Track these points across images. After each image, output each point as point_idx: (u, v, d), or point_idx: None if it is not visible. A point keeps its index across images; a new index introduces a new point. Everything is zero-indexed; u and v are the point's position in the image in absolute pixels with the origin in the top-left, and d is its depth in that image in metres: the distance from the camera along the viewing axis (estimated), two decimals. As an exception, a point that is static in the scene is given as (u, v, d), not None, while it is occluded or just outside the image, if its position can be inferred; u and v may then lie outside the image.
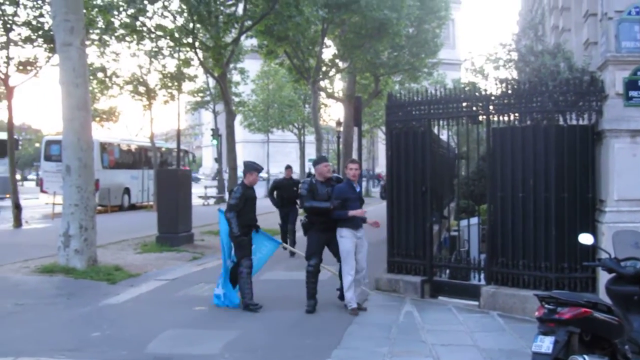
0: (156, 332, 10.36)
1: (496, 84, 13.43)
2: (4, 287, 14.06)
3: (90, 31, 28.23)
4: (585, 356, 6.53)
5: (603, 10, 12.27)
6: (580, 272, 11.58)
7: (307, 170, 63.61)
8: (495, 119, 13.04)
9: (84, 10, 17.50)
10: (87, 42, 25.94)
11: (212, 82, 45.45)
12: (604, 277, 8.85)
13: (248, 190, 12.52)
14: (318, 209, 12.12)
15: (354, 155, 33.29)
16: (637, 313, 7.39)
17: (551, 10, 21.67)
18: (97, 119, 40.08)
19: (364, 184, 25.86)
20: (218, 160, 54.36)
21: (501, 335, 10.71)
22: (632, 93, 11.52)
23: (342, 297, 12.50)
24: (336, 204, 11.88)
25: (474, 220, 16.27)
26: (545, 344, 6.61)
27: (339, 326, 10.94)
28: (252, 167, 12.76)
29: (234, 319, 11.48)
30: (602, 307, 6.98)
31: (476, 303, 12.62)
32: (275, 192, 19.77)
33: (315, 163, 12.82)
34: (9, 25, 25.83)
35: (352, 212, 11.88)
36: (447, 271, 13.99)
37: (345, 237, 11.96)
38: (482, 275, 13.04)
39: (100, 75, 36.10)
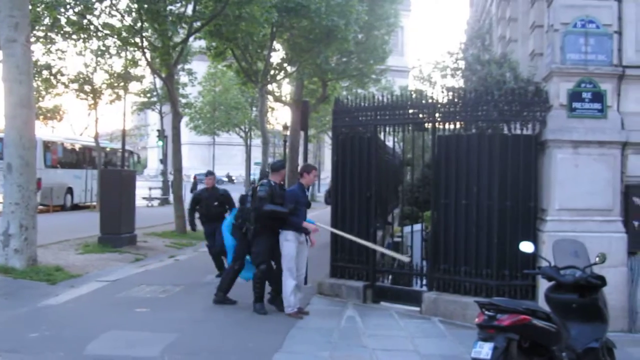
0: (96, 334, 10.23)
1: (443, 92, 13.52)
2: (-60, 285, 13.80)
3: (36, 28, 27.88)
4: (524, 363, 6.62)
5: (549, 22, 12.44)
6: (520, 280, 11.73)
7: (252, 174, 63.60)
8: (441, 126, 13.13)
9: (30, 6, 17.25)
10: (32, 39, 25.62)
11: (159, 83, 45.05)
12: (543, 285, 8.97)
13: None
14: (278, 213, 11.92)
15: (300, 160, 33.28)
16: (575, 321, 7.50)
17: (499, 20, 21.88)
18: (41, 117, 39.53)
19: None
20: (163, 161, 53.97)
21: (442, 341, 10.80)
22: (576, 104, 11.73)
23: (272, 300, 12.47)
24: (291, 207, 11.82)
25: (418, 227, 16.37)
26: (485, 350, 6.67)
27: (281, 330, 10.92)
28: (282, 166, 12.97)
29: (176, 321, 11.38)
30: (541, 315, 7.08)
31: (418, 309, 12.70)
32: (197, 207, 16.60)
33: (277, 167, 12.65)
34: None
35: (306, 224, 11.88)
36: (390, 277, 14.06)
37: (289, 241, 11.93)
38: (424, 282, 13.13)
39: (45, 73, 35.58)
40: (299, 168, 13.05)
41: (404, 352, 10.17)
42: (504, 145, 12.01)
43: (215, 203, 16.05)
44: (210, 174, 16.85)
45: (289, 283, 11.91)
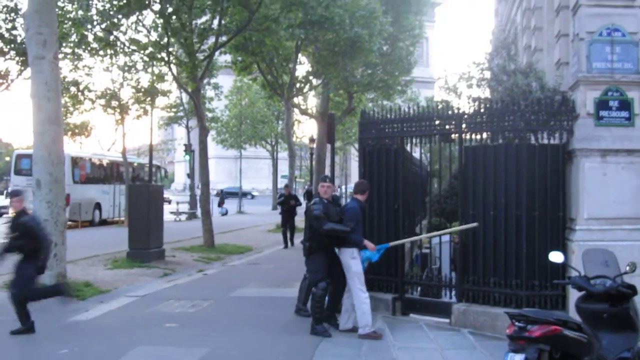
0: (125, 349, 10.28)
1: (469, 103, 13.50)
2: (-28, 302, 13.89)
3: (64, 45, 28.10)
4: (555, 374, 6.58)
5: (575, 31, 12.39)
6: (550, 290, 11.64)
7: (279, 187, 63.69)
8: (468, 137, 13.09)
9: (57, 24, 17.38)
10: (60, 56, 25.81)
11: (185, 97, 45.37)
12: (574, 295, 8.91)
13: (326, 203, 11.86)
14: (339, 232, 11.55)
15: (327, 172, 33.30)
16: (606, 331, 7.44)
17: (524, 30, 21.87)
18: (69, 133, 39.87)
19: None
20: (190, 176, 54.24)
21: (472, 353, 10.72)
22: (603, 113, 11.64)
23: (297, 311, 12.32)
24: (352, 226, 11.56)
25: (446, 238, 16.29)
26: (516, 361, 6.64)
27: (311, 343, 10.91)
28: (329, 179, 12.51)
29: (205, 335, 11.41)
30: (571, 325, 7.03)
31: (447, 320, 12.62)
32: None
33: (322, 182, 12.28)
34: (-20, 38, 25.67)
35: (366, 242, 11.69)
36: (419, 289, 13.98)
37: (356, 259, 11.65)
38: (454, 293, 13.07)
39: (72, 89, 35.91)
40: (358, 184, 12.63)
41: (434, 364, 10.14)
42: (531, 155, 11.95)
43: (15, 234, 11.51)
44: (15, 194, 12.14)
45: (365, 301, 11.57)
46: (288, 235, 27.46)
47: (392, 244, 12.81)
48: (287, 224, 27.63)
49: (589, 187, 11.52)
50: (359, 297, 11.53)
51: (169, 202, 50.21)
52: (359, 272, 11.61)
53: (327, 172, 31.83)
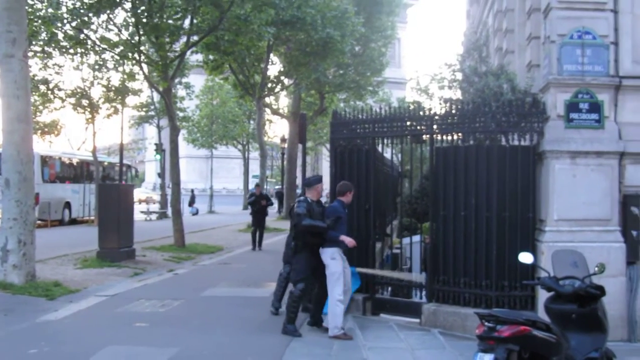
0: (95, 349, 10.18)
1: (440, 104, 13.54)
2: (-61, 302, 13.75)
3: (33, 43, 27.88)
4: (524, 374, 6.62)
5: (546, 34, 12.47)
6: (520, 291, 11.71)
7: (250, 187, 63.56)
8: (439, 138, 13.13)
9: (27, 22, 17.24)
10: (30, 54, 25.60)
11: (156, 97, 45.14)
12: (543, 295, 8.97)
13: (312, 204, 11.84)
14: (317, 228, 11.47)
15: (298, 172, 33.29)
16: (574, 331, 7.50)
17: (495, 32, 21.94)
18: (39, 132, 39.52)
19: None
20: (161, 175, 54.02)
21: (442, 353, 10.76)
22: (573, 115, 11.74)
23: (313, 322, 12.09)
24: (330, 222, 11.46)
25: (416, 238, 16.35)
26: (485, 361, 6.67)
27: (281, 342, 10.89)
28: (317, 181, 12.30)
29: (175, 335, 11.34)
30: (540, 325, 7.08)
31: (417, 320, 12.66)
32: None
33: (311, 183, 12.16)
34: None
35: (343, 237, 11.44)
36: (389, 289, 14.02)
37: (335, 259, 11.50)
38: (424, 293, 13.10)
39: (42, 87, 35.60)
40: (338, 186, 12.50)
41: (404, 364, 10.16)
42: (501, 156, 12.01)
43: None
44: None
45: (336, 305, 11.45)
46: (257, 236, 26.27)
47: (358, 269, 12.88)
48: (258, 225, 26.39)
49: (558, 188, 11.62)
50: (332, 298, 11.49)
51: (154, 202, 49.93)
52: (335, 273, 11.47)
53: (299, 172, 31.76)
